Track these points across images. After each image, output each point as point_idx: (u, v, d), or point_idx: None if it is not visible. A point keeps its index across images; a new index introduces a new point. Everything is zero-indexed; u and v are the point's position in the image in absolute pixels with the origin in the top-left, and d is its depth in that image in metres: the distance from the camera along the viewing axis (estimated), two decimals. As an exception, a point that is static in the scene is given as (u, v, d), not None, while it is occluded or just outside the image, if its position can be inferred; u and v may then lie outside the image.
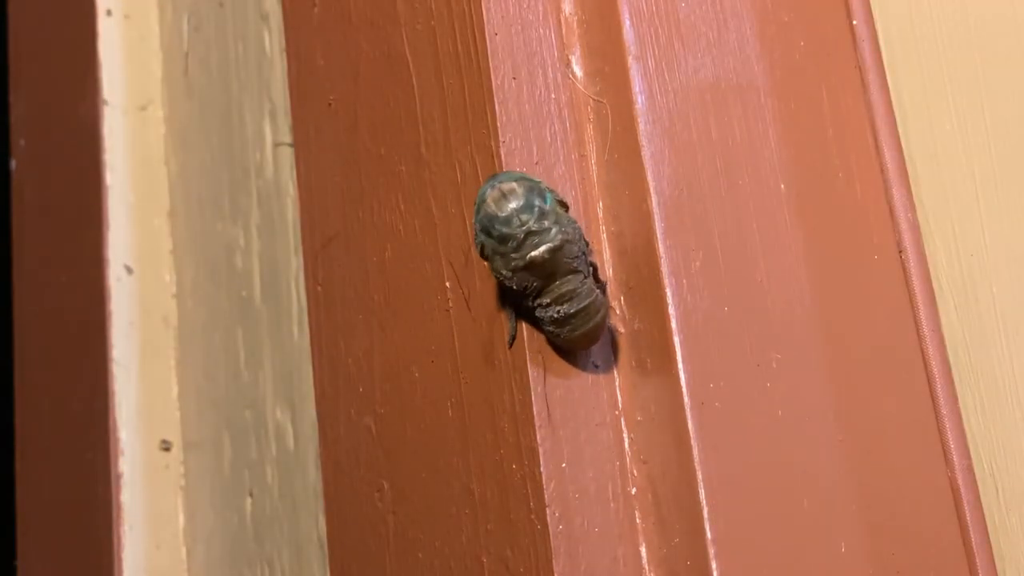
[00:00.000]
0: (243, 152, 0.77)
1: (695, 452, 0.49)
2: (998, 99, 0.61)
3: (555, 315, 0.50)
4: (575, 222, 0.50)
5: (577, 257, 0.50)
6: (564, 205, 0.50)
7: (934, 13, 0.62)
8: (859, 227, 0.57)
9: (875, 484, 0.53)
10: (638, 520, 0.51)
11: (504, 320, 0.52)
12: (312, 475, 0.68)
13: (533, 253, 0.49)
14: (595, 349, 0.52)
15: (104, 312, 0.80)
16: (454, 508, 0.53)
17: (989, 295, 0.58)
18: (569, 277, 0.50)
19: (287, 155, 0.72)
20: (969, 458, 0.55)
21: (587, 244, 0.53)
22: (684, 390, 0.50)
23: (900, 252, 0.57)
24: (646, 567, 0.50)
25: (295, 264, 0.71)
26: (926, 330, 0.56)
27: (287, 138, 0.72)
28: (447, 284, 0.54)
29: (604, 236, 0.54)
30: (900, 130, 0.59)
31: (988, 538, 0.54)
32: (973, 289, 0.58)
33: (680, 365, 0.51)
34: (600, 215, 0.54)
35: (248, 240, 0.76)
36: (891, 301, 0.56)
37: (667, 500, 0.50)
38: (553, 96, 0.55)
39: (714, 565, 0.49)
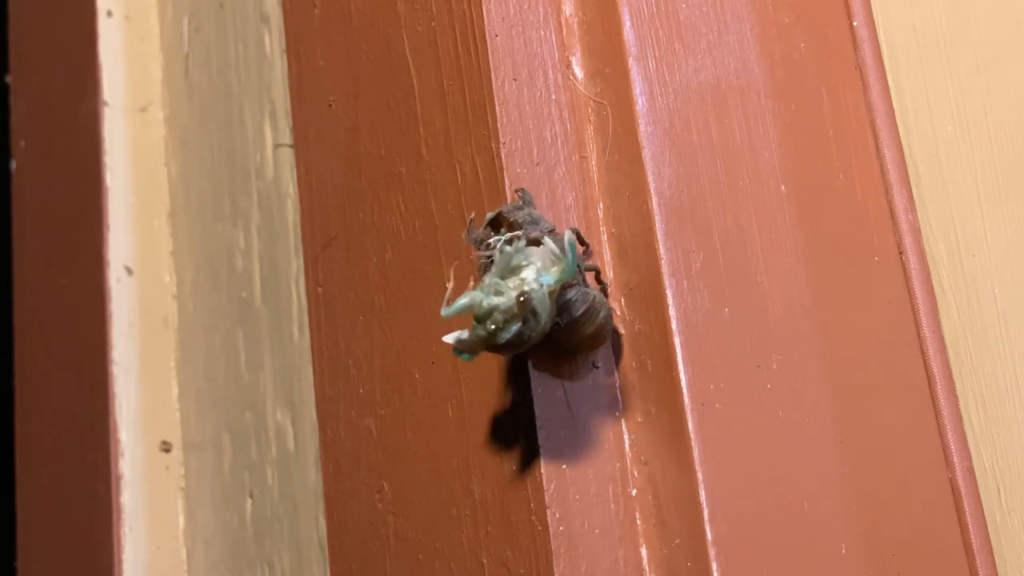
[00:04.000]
0: (243, 153, 0.77)
1: (695, 453, 0.49)
2: (999, 99, 0.61)
3: (556, 324, 0.50)
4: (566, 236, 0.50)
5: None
6: (552, 231, 0.50)
7: (935, 14, 0.62)
8: (859, 229, 0.57)
9: (875, 485, 0.53)
10: (639, 521, 0.51)
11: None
12: (312, 476, 0.68)
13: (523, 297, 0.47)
14: (596, 350, 0.52)
15: (104, 313, 0.80)
16: (454, 509, 0.53)
17: (991, 296, 0.58)
18: (564, 291, 0.49)
19: (287, 156, 0.72)
20: (970, 459, 0.55)
21: (587, 246, 0.53)
22: (684, 391, 0.50)
23: (901, 254, 0.57)
24: (647, 568, 0.50)
25: (295, 265, 0.71)
26: (926, 331, 0.56)
27: (287, 139, 0.72)
28: (448, 285, 0.54)
29: (605, 237, 0.54)
30: (901, 131, 0.59)
31: (989, 539, 0.54)
32: (975, 290, 0.58)
33: (680, 366, 0.51)
34: (601, 216, 0.54)
35: (248, 241, 0.76)
36: (891, 303, 0.56)
37: (668, 501, 0.50)
38: (554, 97, 0.55)
39: (715, 566, 0.49)
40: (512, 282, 0.47)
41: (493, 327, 0.46)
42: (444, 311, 0.47)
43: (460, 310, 0.46)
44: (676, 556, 0.50)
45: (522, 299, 0.46)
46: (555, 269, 0.47)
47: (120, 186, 0.83)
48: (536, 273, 0.47)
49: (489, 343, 0.47)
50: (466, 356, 0.47)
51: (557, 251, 0.47)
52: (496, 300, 0.46)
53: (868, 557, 0.52)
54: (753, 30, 0.57)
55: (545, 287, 0.47)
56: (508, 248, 0.48)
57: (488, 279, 0.47)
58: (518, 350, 0.48)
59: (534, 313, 0.46)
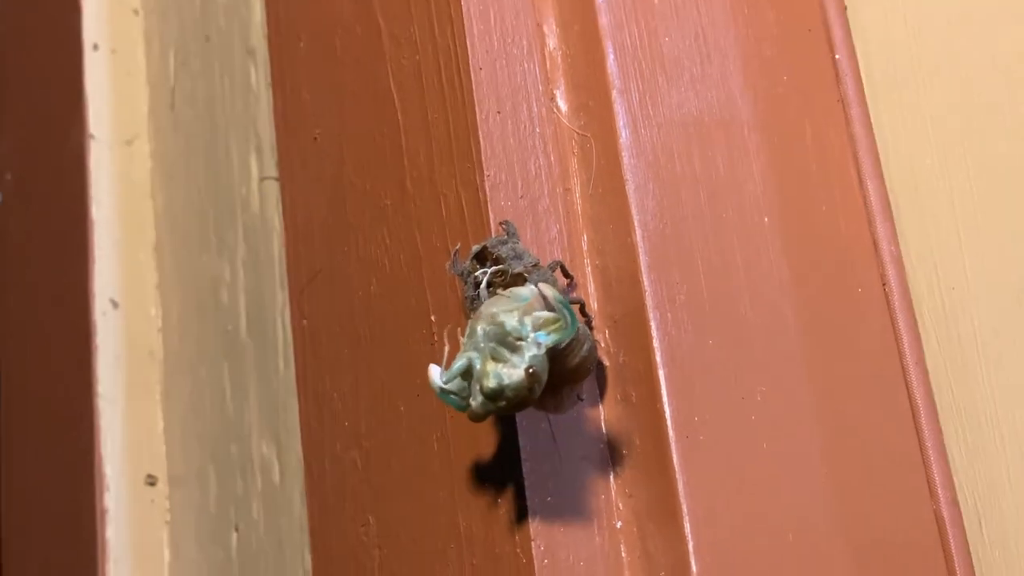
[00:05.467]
0: (229, 186, 0.77)
1: (680, 485, 0.49)
2: (978, 135, 0.61)
3: None
4: (551, 272, 0.50)
5: None
6: (536, 265, 0.50)
7: (916, 48, 0.63)
8: (843, 260, 0.57)
9: (860, 517, 0.53)
10: (623, 554, 0.51)
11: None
12: (298, 510, 0.68)
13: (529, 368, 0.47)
14: (581, 382, 0.52)
15: (90, 346, 0.80)
16: (440, 542, 0.53)
17: (971, 328, 0.58)
18: None
19: (273, 189, 0.72)
20: (954, 490, 0.55)
21: (571, 278, 0.53)
22: (669, 423, 0.50)
23: (884, 285, 0.57)
24: (632, 601, 0.50)
25: (281, 298, 0.71)
26: (910, 362, 0.56)
27: (273, 172, 0.72)
28: (432, 318, 0.54)
29: (589, 270, 0.54)
30: (882, 164, 0.59)
31: (974, 571, 0.54)
32: (955, 322, 0.59)
33: (665, 398, 0.51)
34: (585, 248, 0.54)
35: (234, 274, 0.76)
36: (875, 334, 0.56)
37: (652, 534, 0.50)
38: (537, 130, 0.55)
39: (700, 599, 0.49)
40: (513, 349, 0.46)
41: (505, 404, 0.46)
42: (445, 376, 0.46)
43: (458, 372, 0.46)
44: (661, 589, 0.50)
45: (531, 371, 0.46)
46: (553, 328, 0.47)
47: (106, 219, 0.83)
48: (534, 333, 0.47)
49: (500, 414, 0.47)
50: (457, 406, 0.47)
51: (551, 314, 0.47)
52: (505, 378, 0.46)
53: (853, 589, 0.52)
54: (736, 64, 0.58)
55: (544, 346, 0.46)
56: (504, 316, 0.47)
57: (480, 333, 0.47)
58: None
59: (540, 381, 0.46)
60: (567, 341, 0.48)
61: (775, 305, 0.54)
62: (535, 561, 0.49)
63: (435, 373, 0.46)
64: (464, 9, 0.55)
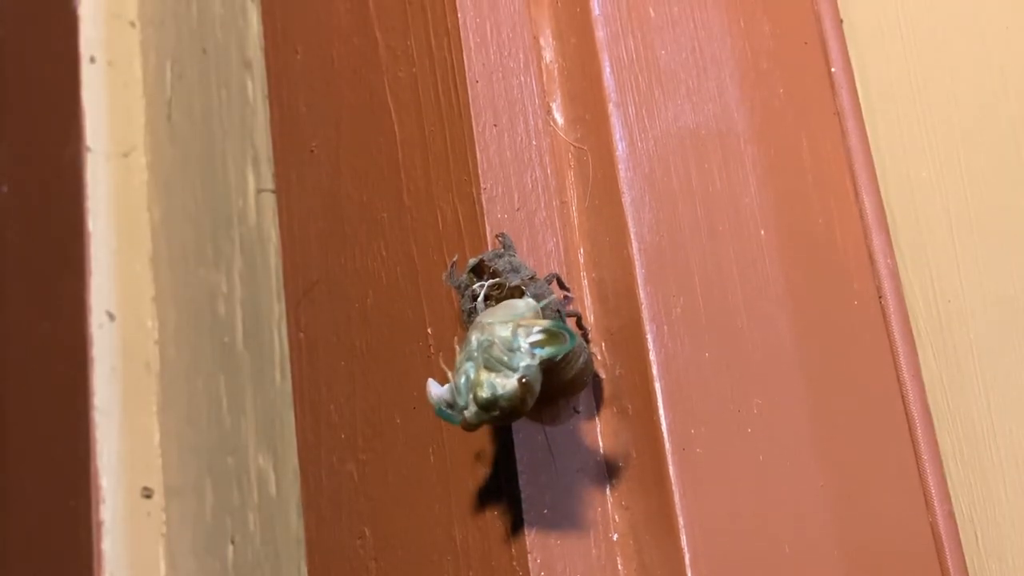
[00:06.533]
0: (226, 198, 0.77)
1: (676, 498, 0.49)
2: (973, 147, 0.62)
3: None
4: (547, 284, 0.50)
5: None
6: (533, 278, 0.50)
7: (911, 61, 0.63)
8: (839, 273, 0.57)
9: (857, 529, 0.53)
10: (620, 566, 0.51)
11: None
12: (294, 522, 0.68)
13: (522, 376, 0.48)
14: (577, 395, 0.52)
15: (86, 358, 0.80)
16: (436, 555, 0.53)
17: (966, 340, 0.59)
18: None
19: (270, 201, 0.72)
20: (950, 503, 0.55)
21: (568, 291, 0.53)
22: (665, 436, 0.50)
23: (880, 298, 0.57)
24: (628, 614, 0.50)
25: (277, 310, 0.71)
26: (906, 375, 0.56)
27: (270, 184, 0.72)
28: (428, 330, 0.54)
29: (585, 282, 0.54)
30: (878, 177, 0.59)
31: (970, 584, 0.54)
32: (951, 334, 0.59)
33: (661, 411, 0.51)
34: (581, 261, 0.54)
35: (231, 286, 0.76)
36: (871, 346, 0.56)
37: (649, 546, 0.50)
38: (534, 143, 0.55)
39: (696, 611, 0.49)
40: (507, 359, 0.46)
41: (498, 413, 0.46)
42: (450, 392, 0.46)
43: (466, 389, 0.46)
44: (658, 601, 0.50)
45: (524, 381, 0.46)
46: (551, 341, 0.47)
47: (102, 231, 0.83)
48: (528, 345, 0.47)
49: (493, 424, 0.47)
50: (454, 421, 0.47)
51: (548, 328, 0.47)
52: (499, 388, 0.46)
53: (850, 601, 0.52)
54: (732, 76, 0.58)
55: (538, 357, 0.46)
56: (499, 327, 0.47)
57: (474, 343, 0.47)
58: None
59: (532, 392, 0.46)
60: (563, 354, 0.48)
61: (771, 317, 0.54)
62: (531, 574, 0.49)
63: (434, 389, 0.46)
64: (461, 22, 0.55)
